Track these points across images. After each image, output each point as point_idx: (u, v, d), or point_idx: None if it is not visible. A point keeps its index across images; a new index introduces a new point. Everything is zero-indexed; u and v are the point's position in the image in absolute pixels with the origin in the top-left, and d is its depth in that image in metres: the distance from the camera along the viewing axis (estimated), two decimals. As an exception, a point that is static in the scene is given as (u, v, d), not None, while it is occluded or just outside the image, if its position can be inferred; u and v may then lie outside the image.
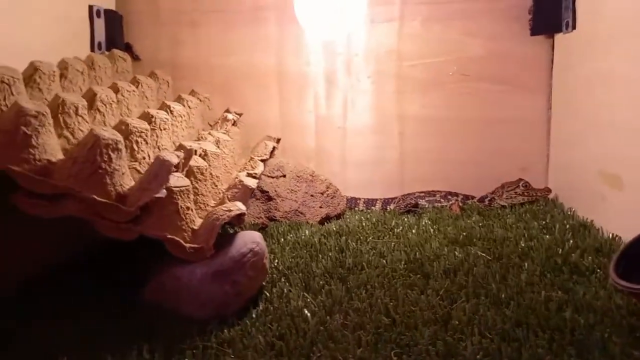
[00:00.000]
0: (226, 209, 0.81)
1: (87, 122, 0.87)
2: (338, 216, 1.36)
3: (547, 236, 1.05)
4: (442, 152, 1.45)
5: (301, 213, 1.29)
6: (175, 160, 0.77)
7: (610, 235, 1.02)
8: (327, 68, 1.47)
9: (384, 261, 0.96)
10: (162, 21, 1.47)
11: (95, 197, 0.73)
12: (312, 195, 1.33)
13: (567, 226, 1.10)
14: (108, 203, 0.73)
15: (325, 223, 1.30)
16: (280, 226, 1.20)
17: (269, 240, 1.11)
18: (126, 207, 0.74)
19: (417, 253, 0.99)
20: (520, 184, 1.33)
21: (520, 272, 0.87)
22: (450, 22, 1.40)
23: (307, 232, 1.16)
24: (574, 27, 1.22)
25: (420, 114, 1.45)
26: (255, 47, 1.47)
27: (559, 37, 1.33)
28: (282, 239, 1.12)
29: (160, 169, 0.76)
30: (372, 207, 1.44)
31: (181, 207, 0.79)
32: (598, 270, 0.86)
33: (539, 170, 1.41)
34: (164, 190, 0.76)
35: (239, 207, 0.82)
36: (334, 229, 1.18)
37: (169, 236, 0.76)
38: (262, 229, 1.21)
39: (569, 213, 1.21)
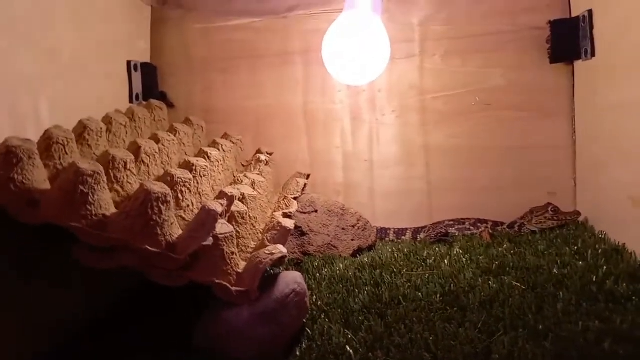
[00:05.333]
0: (268, 252, 0.86)
1: (134, 174, 0.93)
2: (370, 247, 1.39)
3: (580, 262, 1.05)
4: (469, 181, 1.48)
5: (334, 247, 1.33)
6: (220, 209, 0.83)
7: (644, 260, 1.02)
8: (352, 105, 1.52)
9: (420, 294, 0.99)
10: (195, 70, 1.55)
11: (148, 247, 0.78)
12: (343, 229, 1.37)
13: (600, 251, 1.10)
14: (160, 252, 0.79)
15: (358, 255, 1.33)
16: (315, 260, 1.24)
17: (305, 276, 1.14)
18: (176, 255, 0.80)
19: (452, 285, 1.01)
20: (549, 209, 1.34)
21: (556, 301, 0.89)
22: (470, 54, 1.45)
23: (341, 265, 1.19)
24: (593, 55, 1.25)
25: (446, 145, 1.49)
26: (283, 88, 1.54)
27: (578, 64, 1.36)
28: (318, 274, 1.15)
29: (207, 219, 0.81)
30: (403, 237, 1.47)
31: (226, 252, 0.84)
32: (634, 298, 0.87)
33: (567, 194, 1.43)
34: (211, 238, 0.81)
35: (280, 250, 0.86)
36: (367, 261, 1.21)
37: (217, 281, 0.81)
38: (297, 264, 1.25)
39: (600, 236, 1.22)
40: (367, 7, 1.35)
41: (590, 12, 1.25)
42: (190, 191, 0.95)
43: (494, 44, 1.43)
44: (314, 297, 1.02)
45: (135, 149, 1.01)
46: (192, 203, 0.95)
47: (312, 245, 1.32)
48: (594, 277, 0.96)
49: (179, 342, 0.86)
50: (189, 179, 0.94)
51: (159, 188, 0.81)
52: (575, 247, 1.16)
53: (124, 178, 0.91)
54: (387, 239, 1.47)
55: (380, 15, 1.38)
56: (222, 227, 0.85)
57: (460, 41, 1.45)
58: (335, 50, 1.37)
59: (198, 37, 1.56)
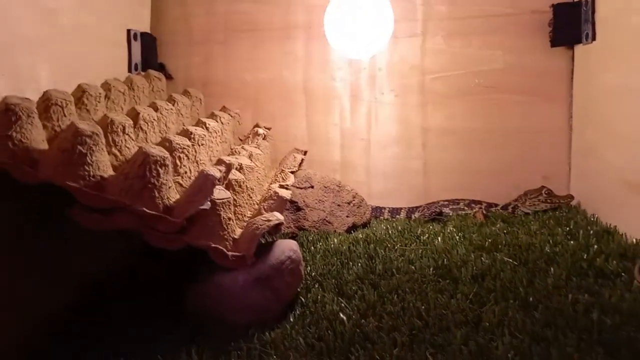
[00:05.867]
0: (265, 219, 0.86)
1: (133, 139, 0.93)
2: (364, 225, 1.40)
3: (572, 242, 1.07)
4: (465, 162, 1.49)
5: (329, 222, 1.34)
6: (218, 174, 0.83)
7: (634, 241, 1.04)
8: (352, 82, 1.53)
9: (413, 267, 1.00)
10: (194, 41, 1.55)
11: (145, 209, 0.78)
12: (339, 205, 1.38)
13: (591, 232, 1.12)
14: (157, 215, 0.79)
15: (352, 232, 1.34)
16: (310, 235, 1.25)
17: (300, 248, 1.16)
18: (173, 218, 0.80)
19: (445, 259, 1.03)
20: (543, 191, 1.36)
21: (547, 276, 0.90)
22: (472, 36, 1.45)
23: (335, 240, 1.20)
24: (593, 39, 1.25)
25: (444, 126, 1.49)
26: (283, 63, 1.53)
27: (578, 48, 1.37)
28: (313, 247, 1.17)
29: (205, 183, 0.82)
30: (397, 216, 1.48)
31: (223, 217, 0.84)
32: (623, 274, 0.89)
33: (561, 178, 1.44)
34: (208, 203, 0.82)
35: (277, 217, 0.87)
36: (361, 237, 1.22)
37: (213, 245, 0.81)
38: (292, 237, 1.26)
39: (592, 219, 1.23)
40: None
41: (592, -5, 1.26)
42: (189, 158, 0.95)
43: (496, 26, 1.43)
44: (308, 268, 1.03)
45: (134, 116, 1.01)
46: (190, 170, 0.95)
47: (308, 220, 1.33)
48: (585, 255, 0.98)
49: (170, 315, 0.86)
50: (188, 146, 0.94)
51: (157, 151, 0.81)
52: (567, 228, 1.17)
53: (122, 142, 0.91)
54: (381, 217, 1.49)
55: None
56: (220, 192, 0.86)
57: (463, 22, 1.44)
58: (337, 22, 1.36)
59: (199, 8, 1.55)
